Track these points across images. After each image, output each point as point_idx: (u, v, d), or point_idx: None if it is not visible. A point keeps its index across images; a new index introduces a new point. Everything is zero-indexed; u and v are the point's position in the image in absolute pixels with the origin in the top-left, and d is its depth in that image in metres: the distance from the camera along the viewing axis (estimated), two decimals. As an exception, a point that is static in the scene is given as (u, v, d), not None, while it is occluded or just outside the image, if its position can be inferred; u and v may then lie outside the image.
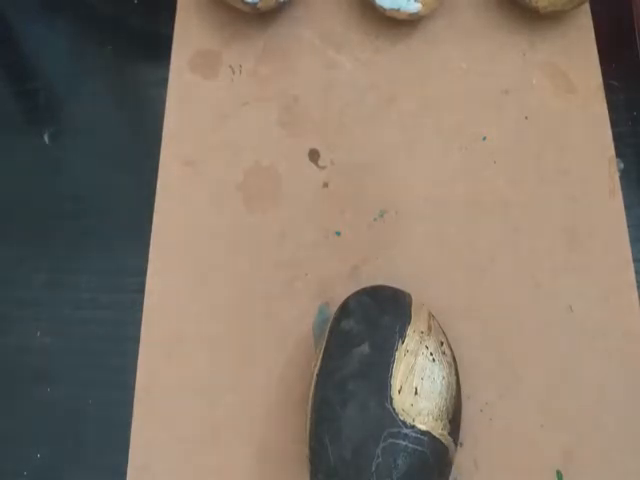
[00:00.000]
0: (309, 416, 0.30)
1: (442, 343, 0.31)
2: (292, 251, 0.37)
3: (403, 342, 0.30)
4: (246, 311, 0.36)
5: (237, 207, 0.38)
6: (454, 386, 0.31)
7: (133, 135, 0.40)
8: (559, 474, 0.33)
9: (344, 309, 0.32)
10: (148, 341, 0.36)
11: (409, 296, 0.32)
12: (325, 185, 0.39)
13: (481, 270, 0.37)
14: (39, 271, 0.38)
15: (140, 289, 0.36)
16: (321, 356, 0.31)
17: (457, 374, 0.31)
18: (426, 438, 0.29)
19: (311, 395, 0.30)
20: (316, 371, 0.31)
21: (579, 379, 0.34)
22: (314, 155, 0.39)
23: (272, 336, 0.36)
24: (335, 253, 0.37)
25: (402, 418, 0.28)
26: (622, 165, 0.39)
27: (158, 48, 0.42)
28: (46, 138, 0.40)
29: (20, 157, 0.40)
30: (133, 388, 0.35)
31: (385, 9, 0.39)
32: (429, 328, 0.31)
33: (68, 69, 0.42)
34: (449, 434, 0.29)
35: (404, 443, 0.28)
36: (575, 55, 0.41)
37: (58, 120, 0.41)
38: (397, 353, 0.30)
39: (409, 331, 0.30)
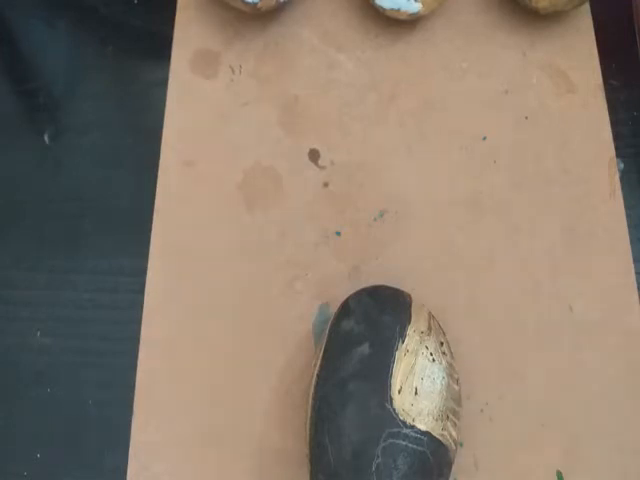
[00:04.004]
0: (309, 416, 0.30)
1: (442, 343, 0.31)
2: (292, 251, 0.37)
3: (403, 342, 0.30)
4: (246, 311, 0.36)
5: (237, 207, 0.38)
6: (454, 386, 0.31)
7: (133, 135, 0.40)
8: (559, 474, 0.33)
9: (344, 309, 0.32)
10: (148, 341, 0.36)
11: (409, 296, 0.32)
12: (325, 185, 0.39)
13: (481, 270, 0.37)
14: (39, 271, 0.38)
15: (140, 289, 0.36)
16: (321, 356, 0.31)
17: (457, 374, 0.31)
18: (426, 438, 0.29)
19: (311, 395, 0.30)
20: (316, 371, 0.31)
21: (579, 379, 0.34)
22: (314, 155, 0.39)
23: (272, 336, 0.36)
24: (335, 253, 0.37)
25: (402, 418, 0.28)
26: (622, 165, 0.39)
27: (158, 48, 0.42)
28: (46, 138, 0.40)
29: (20, 157, 0.40)
30: (133, 388, 0.35)
31: (385, 9, 0.39)
32: (429, 328, 0.31)
33: (68, 69, 0.42)
34: (449, 434, 0.29)
35: (404, 443, 0.28)
36: (575, 55, 0.41)
37: (58, 120, 0.41)
38: (397, 353, 0.30)
39: (409, 331, 0.30)
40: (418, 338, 0.30)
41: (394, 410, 0.28)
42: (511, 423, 0.34)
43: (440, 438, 0.29)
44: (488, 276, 0.37)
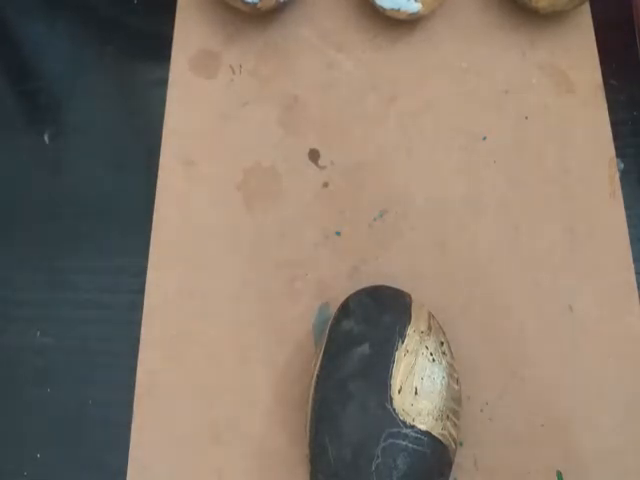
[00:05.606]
0: (309, 416, 0.30)
1: (442, 343, 0.31)
2: (292, 251, 0.37)
3: (403, 342, 0.30)
4: (246, 311, 0.36)
5: (237, 207, 0.38)
6: (454, 386, 0.31)
7: (133, 135, 0.40)
8: (559, 474, 0.33)
9: (344, 309, 0.32)
10: (148, 341, 0.36)
11: (409, 296, 0.32)
12: (325, 185, 0.39)
13: (481, 270, 0.37)
14: (39, 271, 0.38)
15: (140, 289, 0.36)
16: (321, 356, 0.31)
17: (457, 374, 0.31)
18: (426, 438, 0.29)
19: (311, 395, 0.30)
20: (316, 371, 0.31)
21: (579, 379, 0.34)
22: (314, 155, 0.39)
23: (272, 336, 0.36)
24: (335, 253, 0.37)
25: (402, 418, 0.28)
26: (622, 165, 0.39)
27: (158, 48, 0.42)
28: (46, 138, 0.40)
29: (20, 157, 0.40)
30: (133, 388, 0.35)
31: (385, 9, 0.39)
32: (429, 328, 0.31)
33: (68, 69, 0.42)
34: (449, 434, 0.29)
35: (404, 443, 0.28)
36: (575, 55, 0.41)
37: (58, 120, 0.41)
38: (397, 353, 0.30)
39: (409, 331, 0.30)
40: (418, 338, 0.30)
41: (394, 410, 0.28)
42: (511, 423, 0.34)
43: (440, 438, 0.29)
44: (488, 276, 0.37)
